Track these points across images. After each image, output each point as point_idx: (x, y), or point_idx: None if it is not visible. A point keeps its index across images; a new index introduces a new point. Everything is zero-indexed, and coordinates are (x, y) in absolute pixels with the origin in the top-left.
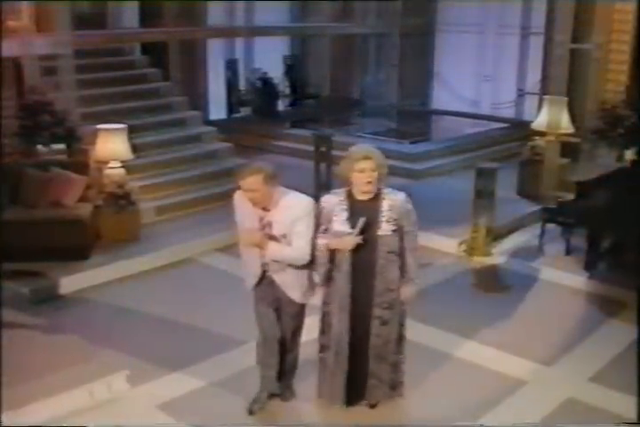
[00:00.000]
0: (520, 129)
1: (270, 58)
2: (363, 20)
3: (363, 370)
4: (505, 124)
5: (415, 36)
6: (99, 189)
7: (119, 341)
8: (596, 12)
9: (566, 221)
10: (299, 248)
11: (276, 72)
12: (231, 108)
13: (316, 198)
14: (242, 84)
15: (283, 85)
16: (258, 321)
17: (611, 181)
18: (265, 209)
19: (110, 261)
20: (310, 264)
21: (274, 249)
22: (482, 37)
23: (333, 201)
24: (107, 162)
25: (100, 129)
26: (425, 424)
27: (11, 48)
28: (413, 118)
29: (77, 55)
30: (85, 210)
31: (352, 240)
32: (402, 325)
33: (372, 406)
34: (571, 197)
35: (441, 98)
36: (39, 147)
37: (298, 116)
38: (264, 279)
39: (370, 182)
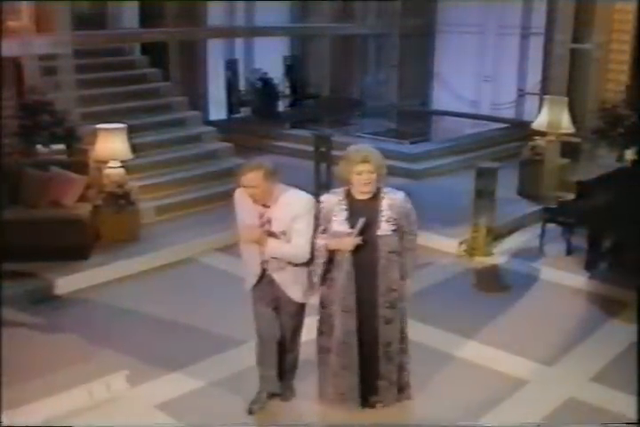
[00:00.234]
0: (520, 129)
1: (270, 58)
2: (363, 20)
3: (371, 371)
4: (505, 125)
5: (415, 37)
6: (98, 188)
7: (118, 341)
8: (597, 12)
9: (567, 220)
10: (298, 246)
11: (276, 72)
12: (231, 108)
13: (316, 198)
14: (242, 85)
15: (283, 86)
16: (256, 321)
17: (611, 181)
18: (265, 206)
19: (110, 261)
20: (310, 263)
21: (273, 246)
22: (482, 38)
23: (332, 201)
24: (106, 162)
25: (99, 129)
26: (426, 424)
27: (11, 48)
28: (413, 119)
29: (77, 55)
30: (85, 210)
31: (352, 241)
32: (403, 323)
33: (373, 406)
34: (571, 196)
35: (441, 98)
36: (39, 146)
37: (298, 116)
38: (264, 278)
39: (368, 184)
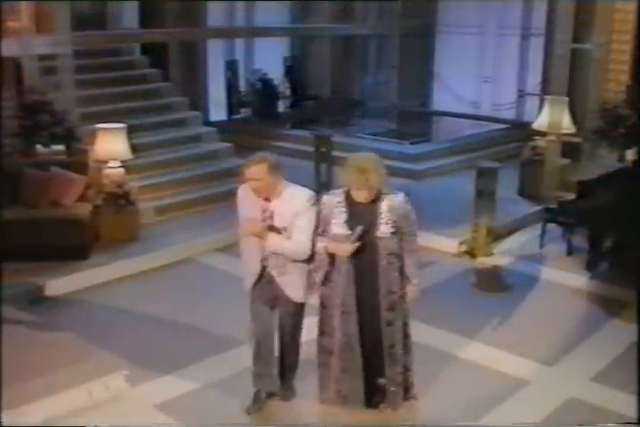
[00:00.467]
0: (520, 130)
1: (270, 59)
2: (363, 21)
3: (375, 373)
4: (505, 125)
5: (415, 37)
6: (98, 188)
7: (118, 341)
8: (597, 12)
9: (567, 221)
10: (299, 242)
11: (277, 73)
12: (231, 109)
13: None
14: (242, 86)
15: (283, 86)
16: (253, 319)
17: (612, 181)
18: (267, 200)
19: (109, 261)
20: (310, 261)
21: (274, 241)
22: (482, 38)
23: (332, 202)
24: (106, 162)
25: (99, 129)
26: (428, 424)
27: (11, 48)
28: (414, 119)
29: (77, 55)
30: (85, 210)
31: (349, 247)
32: (406, 324)
33: (376, 407)
34: (571, 197)
35: (441, 99)
36: (39, 146)
37: (298, 117)
38: (263, 278)
39: (367, 191)
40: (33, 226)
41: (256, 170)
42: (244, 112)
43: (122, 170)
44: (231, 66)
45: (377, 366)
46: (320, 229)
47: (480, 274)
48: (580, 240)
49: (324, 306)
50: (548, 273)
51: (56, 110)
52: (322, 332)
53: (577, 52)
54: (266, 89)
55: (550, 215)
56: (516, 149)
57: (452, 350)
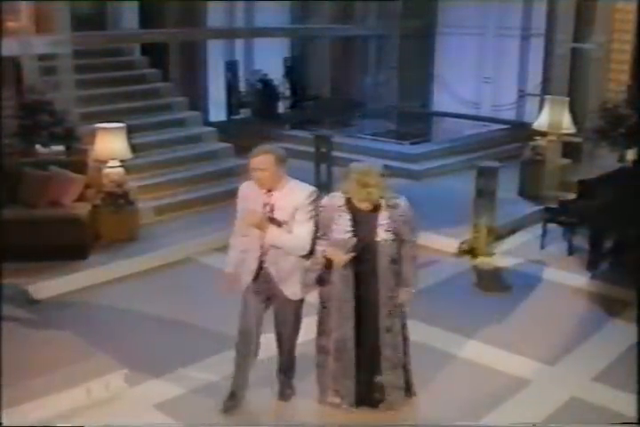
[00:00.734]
0: (521, 130)
1: (270, 59)
2: (363, 21)
3: (374, 374)
4: (505, 126)
5: (415, 38)
6: (97, 188)
7: (117, 340)
8: (597, 12)
9: (568, 220)
10: (299, 236)
11: (276, 74)
12: (231, 109)
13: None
14: (242, 86)
15: (283, 87)
16: (242, 312)
17: (612, 181)
18: (269, 192)
19: (109, 261)
20: (308, 257)
21: (274, 233)
22: (482, 39)
23: (332, 206)
24: (106, 161)
25: (98, 128)
26: (428, 424)
27: (10, 48)
28: (414, 120)
29: (77, 55)
30: (84, 209)
31: (344, 257)
32: (403, 326)
33: (375, 406)
34: (572, 196)
35: (441, 100)
36: (38, 146)
37: (298, 117)
38: (260, 276)
39: (367, 201)
40: (32, 225)
41: (262, 159)
42: (244, 113)
43: (121, 170)
44: (231, 66)
45: (375, 369)
46: (320, 232)
47: (481, 274)
48: (580, 240)
49: (324, 306)
50: (548, 273)
51: (56, 110)
52: (321, 331)
53: (577, 52)
54: (266, 89)
55: (551, 215)
56: (517, 150)
57: (453, 350)
